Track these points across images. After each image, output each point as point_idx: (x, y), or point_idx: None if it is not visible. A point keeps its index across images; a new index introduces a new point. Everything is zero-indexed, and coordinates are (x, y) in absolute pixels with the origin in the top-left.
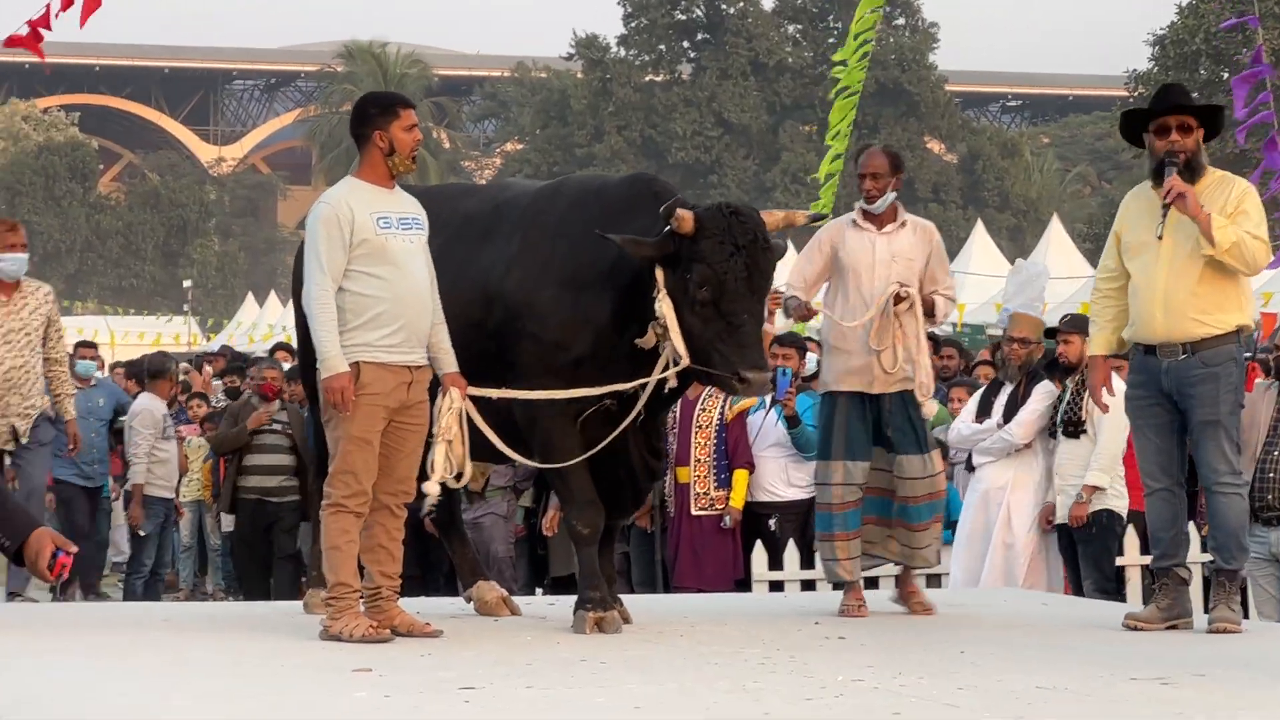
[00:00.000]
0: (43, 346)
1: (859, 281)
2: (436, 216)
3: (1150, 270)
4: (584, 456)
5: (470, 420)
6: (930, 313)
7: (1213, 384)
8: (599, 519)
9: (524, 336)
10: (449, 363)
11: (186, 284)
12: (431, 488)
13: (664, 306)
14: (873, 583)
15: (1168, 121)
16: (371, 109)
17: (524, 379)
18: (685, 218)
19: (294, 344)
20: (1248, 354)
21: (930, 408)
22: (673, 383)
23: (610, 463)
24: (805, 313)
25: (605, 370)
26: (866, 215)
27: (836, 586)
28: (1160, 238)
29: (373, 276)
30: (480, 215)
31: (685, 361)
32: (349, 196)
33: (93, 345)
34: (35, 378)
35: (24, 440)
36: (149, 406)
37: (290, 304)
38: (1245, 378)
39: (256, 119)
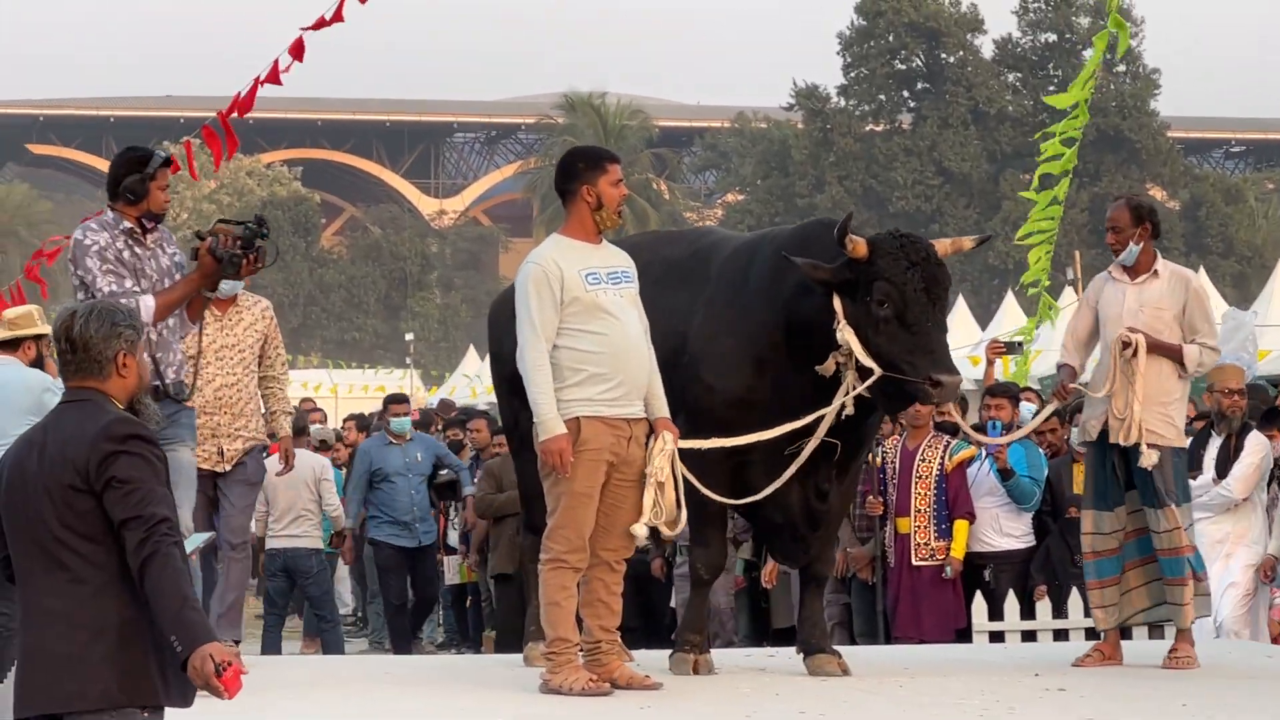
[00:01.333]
0: (259, 365)
1: (1106, 332)
2: (641, 263)
3: None
4: (745, 499)
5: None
6: (1180, 361)
7: None
8: (720, 562)
9: (698, 383)
10: (661, 408)
11: (409, 337)
12: (639, 529)
13: (846, 334)
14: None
15: None
16: (579, 163)
17: (695, 425)
18: (859, 243)
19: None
20: None
21: (1149, 457)
22: (850, 410)
23: (768, 508)
24: (1064, 392)
25: (782, 418)
26: (1124, 267)
27: (1092, 636)
28: None
29: (587, 333)
30: (681, 261)
31: (878, 371)
32: (556, 254)
33: (405, 400)
34: (249, 397)
35: (228, 466)
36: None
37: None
38: None
39: (477, 171)
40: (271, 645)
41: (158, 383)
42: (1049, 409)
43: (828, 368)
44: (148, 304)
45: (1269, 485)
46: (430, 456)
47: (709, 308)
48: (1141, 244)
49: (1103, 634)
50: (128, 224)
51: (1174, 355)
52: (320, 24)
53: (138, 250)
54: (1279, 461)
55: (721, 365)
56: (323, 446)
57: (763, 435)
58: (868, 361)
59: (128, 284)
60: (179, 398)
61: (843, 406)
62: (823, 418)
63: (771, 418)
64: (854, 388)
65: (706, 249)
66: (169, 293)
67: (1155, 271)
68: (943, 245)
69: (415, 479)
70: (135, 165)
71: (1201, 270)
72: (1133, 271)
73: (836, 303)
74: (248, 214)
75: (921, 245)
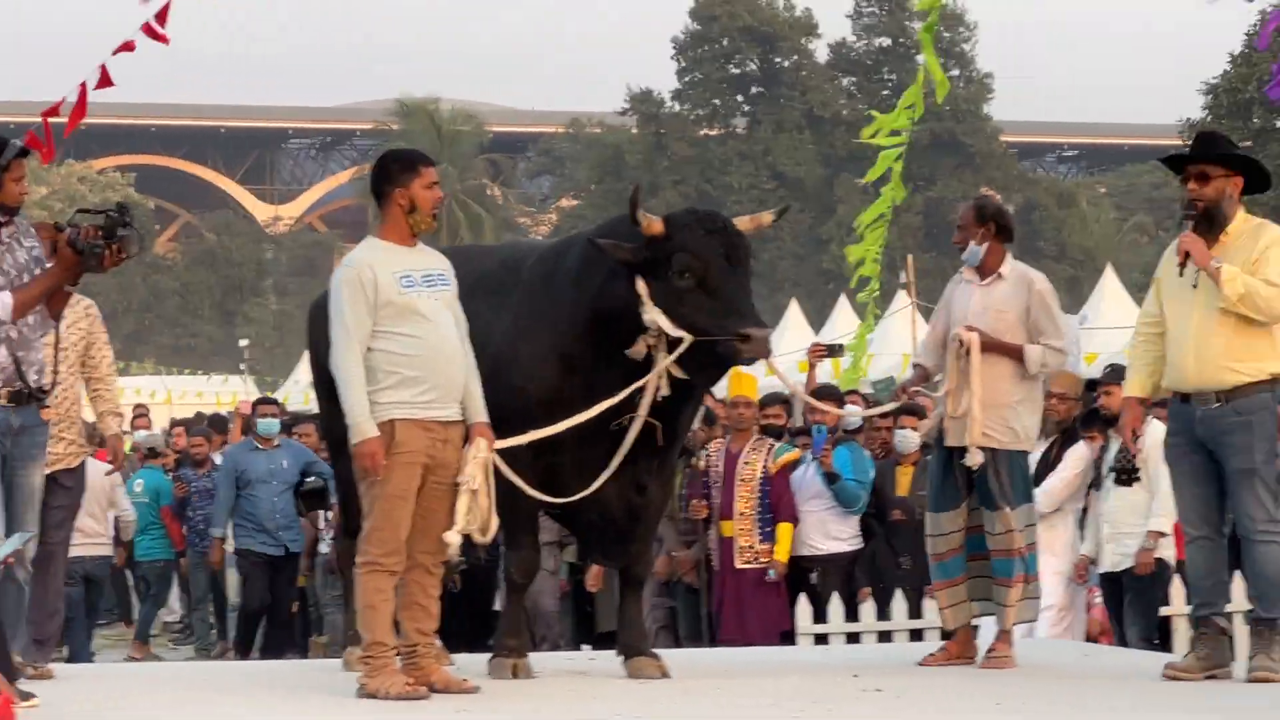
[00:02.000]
0: (83, 367)
1: (950, 333)
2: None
3: (1183, 317)
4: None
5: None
6: (1022, 362)
7: (1246, 432)
8: (534, 566)
9: (506, 387)
10: (477, 412)
11: (243, 343)
12: (452, 537)
13: (652, 313)
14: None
15: (1189, 170)
16: (392, 167)
17: (507, 430)
18: (653, 220)
19: None
20: None
21: (973, 457)
22: (665, 390)
23: (586, 508)
24: (904, 392)
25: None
26: (976, 268)
27: (945, 636)
28: (1195, 286)
29: (402, 335)
30: (492, 272)
31: (687, 339)
32: (370, 257)
33: (275, 402)
34: (73, 399)
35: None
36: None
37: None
38: None
39: (313, 177)
40: (82, 653)
41: (20, 385)
42: (889, 405)
43: (637, 350)
44: (5, 301)
45: (1087, 493)
46: (298, 463)
47: (517, 311)
48: (985, 244)
49: (954, 633)
50: None
51: (1014, 355)
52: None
53: None
54: (1098, 463)
55: (530, 366)
56: (151, 454)
57: (580, 417)
58: (676, 332)
59: None
60: (43, 403)
61: (659, 386)
62: (639, 398)
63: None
64: (664, 366)
65: (516, 259)
66: (28, 289)
67: (1000, 274)
68: (743, 221)
69: (279, 485)
70: None
71: None
72: (981, 273)
73: (640, 285)
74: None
75: (718, 216)
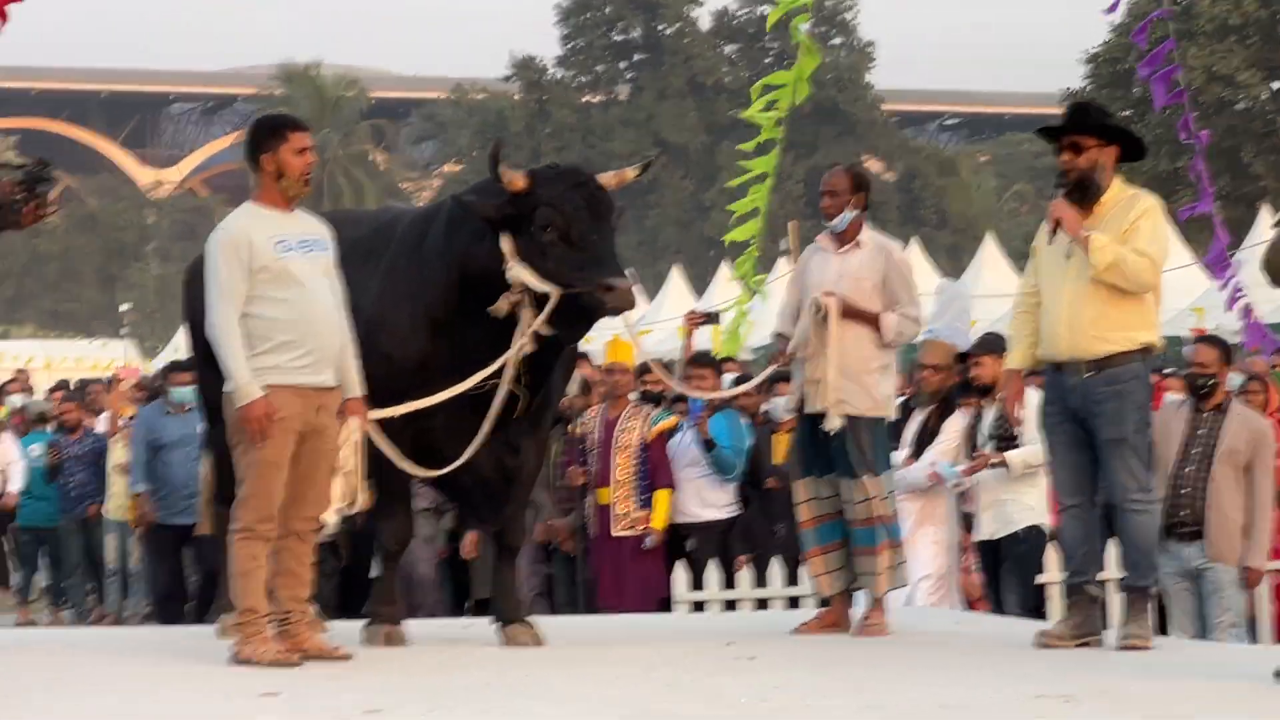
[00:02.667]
0: None
1: (806, 300)
2: None
3: (1056, 288)
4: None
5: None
6: (879, 330)
7: (1118, 401)
8: (406, 534)
9: (375, 353)
10: (352, 387)
11: (124, 308)
12: (328, 518)
13: (517, 270)
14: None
15: (1063, 140)
16: (261, 132)
17: (377, 398)
18: (515, 176)
19: None
20: (1165, 371)
21: (831, 422)
22: (530, 347)
23: (458, 473)
24: (783, 356)
25: (461, 376)
26: (833, 236)
27: (823, 604)
28: (1069, 256)
29: (276, 300)
30: (363, 239)
31: (554, 293)
32: (246, 222)
33: (188, 368)
34: None
35: None
36: None
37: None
38: (1152, 396)
39: (195, 142)
40: None
41: None
42: (768, 370)
43: (499, 308)
44: None
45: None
46: None
47: (385, 277)
48: (855, 211)
49: (830, 601)
50: None
51: (872, 322)
52: None
53: None
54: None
55: (398, 332)
56: (40, 419)
57: (456, 389)
58: (543, 287)
59: None
60: None
61: (521, 347)
62: (505, 364)
63: (453, 381)
64: (530, 323)
65: (388, 224)
66: None
67: (859, 242)
68: (606, 177)
69: (194, 450)
70: None
71: (915, 242)
72: (839, 241)
73: (505, 243)
74: None
75: (580, 171)
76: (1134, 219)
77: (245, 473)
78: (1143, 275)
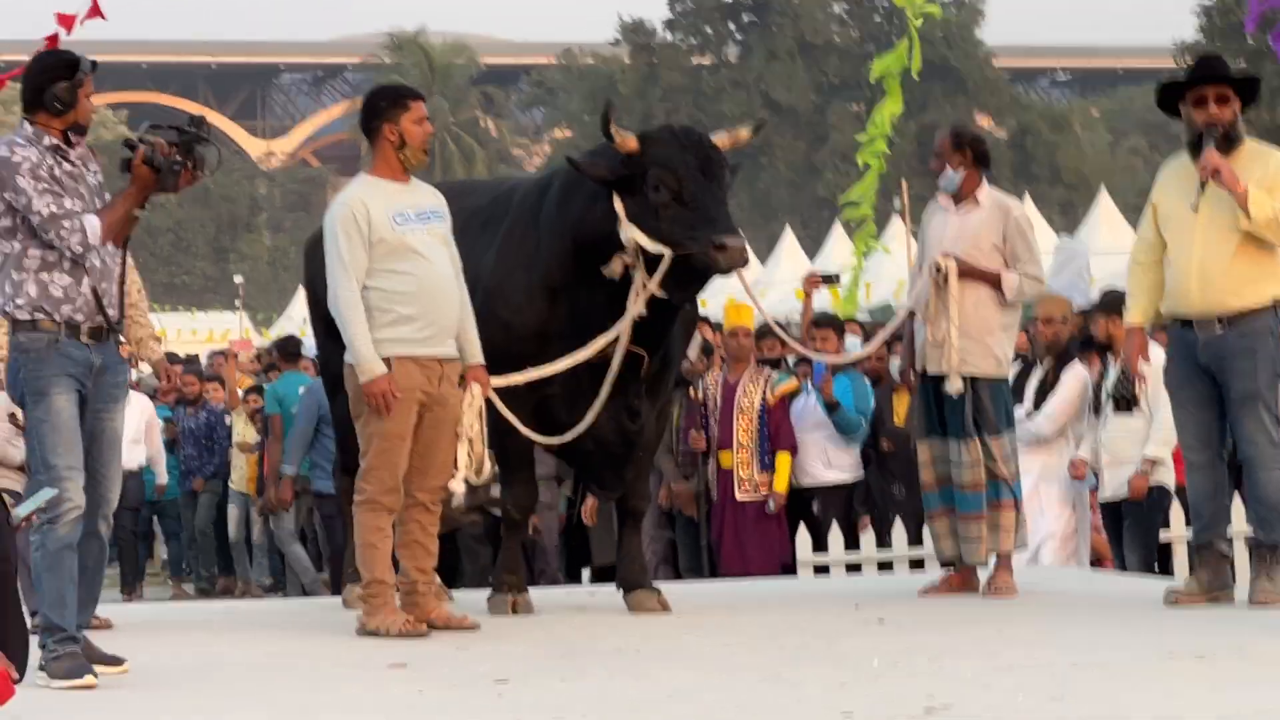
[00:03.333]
0: None
1: (926, 260)
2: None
3: (1185, 243)
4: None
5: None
6: (1000, 289)
7: (1250, 358)
8: (530, 502)
9: (494, 320)
10: (473, 354)
11: (238, 279)
12: (456, 485)
13: (630, 231)
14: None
15: (1205, 93)
16: (381, 102)
17: (495, 366)
18: (627, 136)
19: None
20: None
21: (954, 383)
22: (643, 310)
23: (580, 438)
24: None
25: (579, 341)
26: (953, 195)
27: (946, 565)
28: (1196, 210)
29: (396, 273)
30: (482, 208)
31: (666, 254)
32: (364, 194)
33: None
34: None
35: None
36: None
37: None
38: None
39: (305, 112)
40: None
41: (101, 320)
42: (887, 330)
43: (613, 270)
44: (93, 224)
45: (1090, 413)
46: None
47: (502, 246)
48: (962, 171)
49: (956, 564)
50: (52, 139)
51: (992, 282)
52: None
53: (66, 167)
54: (1100, 388)
55: (515, 300)
56: (152, 395)
57: (577, 355)
58: (655, 248)
59: (67, 203)
60: (120, 339)
61: (638, 307)
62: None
63: (571, 347)
64: (644, 285)
65: (506, 193)
66: (112, 210)
67: (977, 200)
68: (720, 137)
69: None
70: (63, 70)
71: (1028, 198)
72: (956, 200)
73: (618, 204)
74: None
75: (693, 131)
76: (1272, 172)
77: (368, 444)
78: None
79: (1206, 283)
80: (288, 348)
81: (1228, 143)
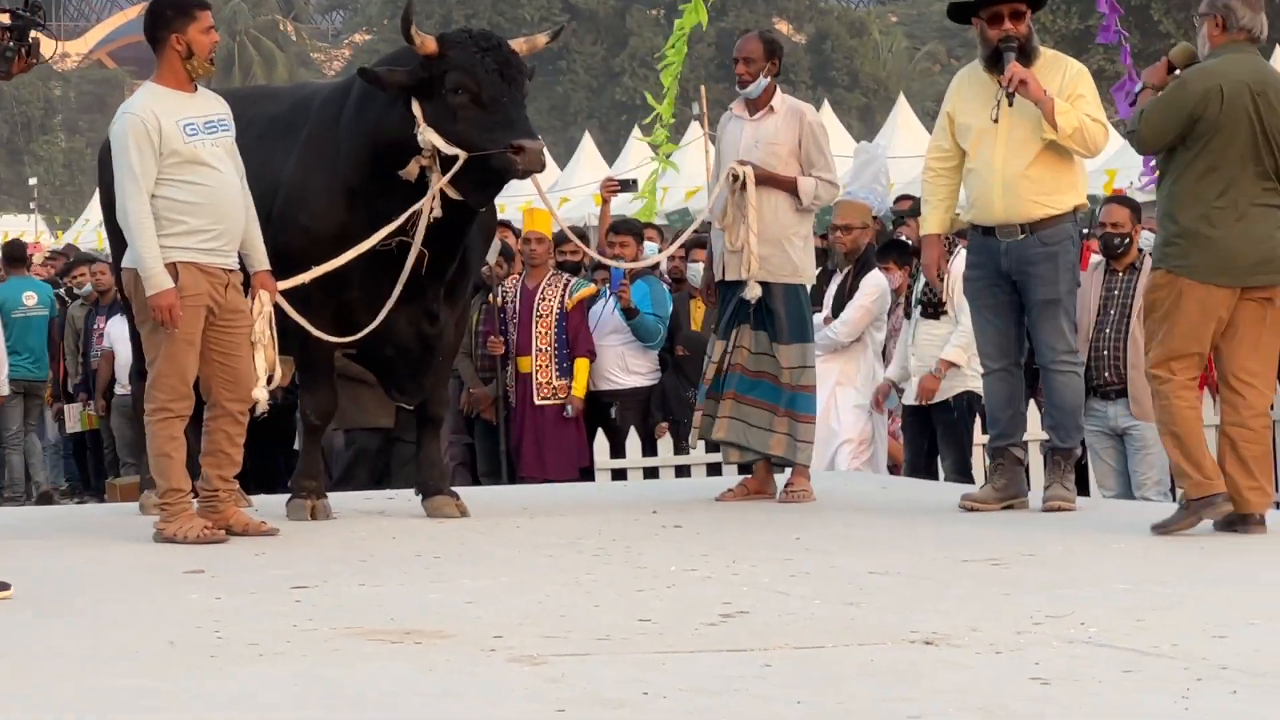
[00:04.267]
0: None
1: (722, 168)
2: (245, 119)
3: (987, 153)
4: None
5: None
6: (796, 194)
7: (1051, 263)
8: (330, 407)
9: (293, 226)
10: (259, 261)
11: (32, 182)
12: (259, 393)
13: (428, 134)
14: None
15: (999, 10)
16: (167, 11)
17: (294, 271)
18: (427, 39)
19: None
20: (1084, 232)
21: (752, 290)
22: (438, 212)
23: (379, 343)
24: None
25: (380, 252)
26: (746, 103)
27: (714, 471)
28: (996, 121)
29: (186, 184)
30: (282, 115)
31: (462, 155)
32: (153, 104)
33: None
34: None
35: None
36: None
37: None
38: (1081, 257)
39: (100, 13)
40: None
41: None
42: (684, 235)
43: (409, 171)
44: None
45: (889, 317)
46: None
47: (303, 151)
48: (769, 78)
49: (753, 469)
50: None
51: (789, 188)
52: None
53: None
54: (900, 292)
55: (315, 205)
56: None
57: (361, 247)
58: (450, 150)
59: None
60: None
61: (433, 208)
62: (415, 225)
63: (373, 252)
64: (439, 186)
65: (306, 99)
66: None
67: (772, 107)
68: (518, 42)
69: None
70: None
71: (827, 104)
72: (752, 107)
73: (415, 107)
74: None
75: (492, 35)
76: (1071, 83)
77: (155, 352)
78: (1099, 140)
79: (1010, 192)
80: (11, 252)
81: (1024, 55)
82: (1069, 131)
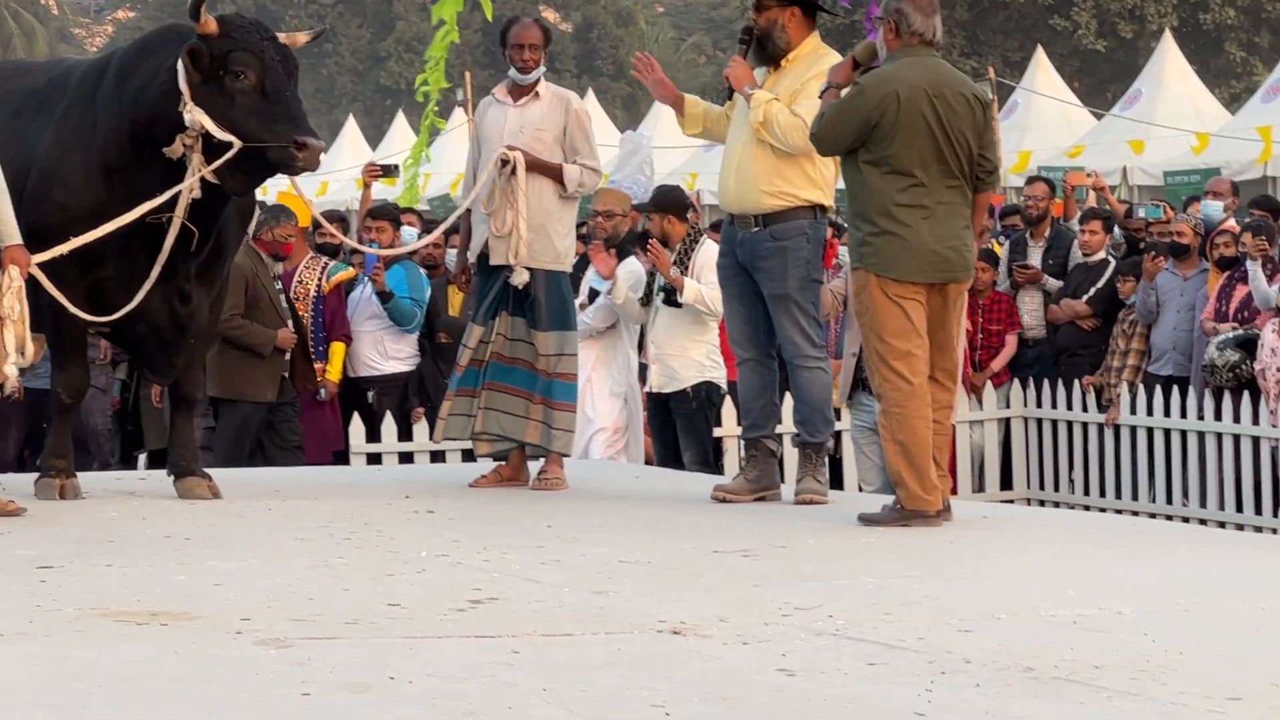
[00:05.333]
0: None
1: (488, 155)
2: None
3: (730, 142)
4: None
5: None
6: (561, 181)
7: (780, 258)
8: (82, 386)
9: (49, 203)
10: (10, 236)
11: None
12: (9, 370)
13: (195, 114)
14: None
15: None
16: None
17: (49, 248)
18: (209, 19)
19: None
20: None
21: (519, 276)
22: (197, 193)
23: (132, 321)
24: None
25: (140, 229)
26: (510, 89)
27: (469, 457)
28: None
29: None
30: (38, 90)
31: (237, 144)
32: None
33: None
34: None
35: None
36: None
37: None
38: (823, 254)
39: None
40: None
41: None
42: (448, 222)
43: (174, 150)
44: None
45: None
46: None
47: (59, 126)
48: (543, 66)
49: (508, 455)
50: None
51: (554, 175)
52: None
53: None
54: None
55: (71, 180)
56: None
57: (115, 223)
58: (224, 136)
59: None
60: None
61: (190, 190)
62: (175, 205)
63: (129, 229)
64: (201, 167)
65: (63, 74)
66: None
67: (537, 94)
68: (280, 38)
69: None
70: None
71: (592, 92)
72: (516, 93)
73: (183, 83)
74: None
75: (265, 25)
76: (807, 80)
77: None
78: (791, 136)
79: (743, 181)
80: None
81: (761, 48)
82: (755, 124)
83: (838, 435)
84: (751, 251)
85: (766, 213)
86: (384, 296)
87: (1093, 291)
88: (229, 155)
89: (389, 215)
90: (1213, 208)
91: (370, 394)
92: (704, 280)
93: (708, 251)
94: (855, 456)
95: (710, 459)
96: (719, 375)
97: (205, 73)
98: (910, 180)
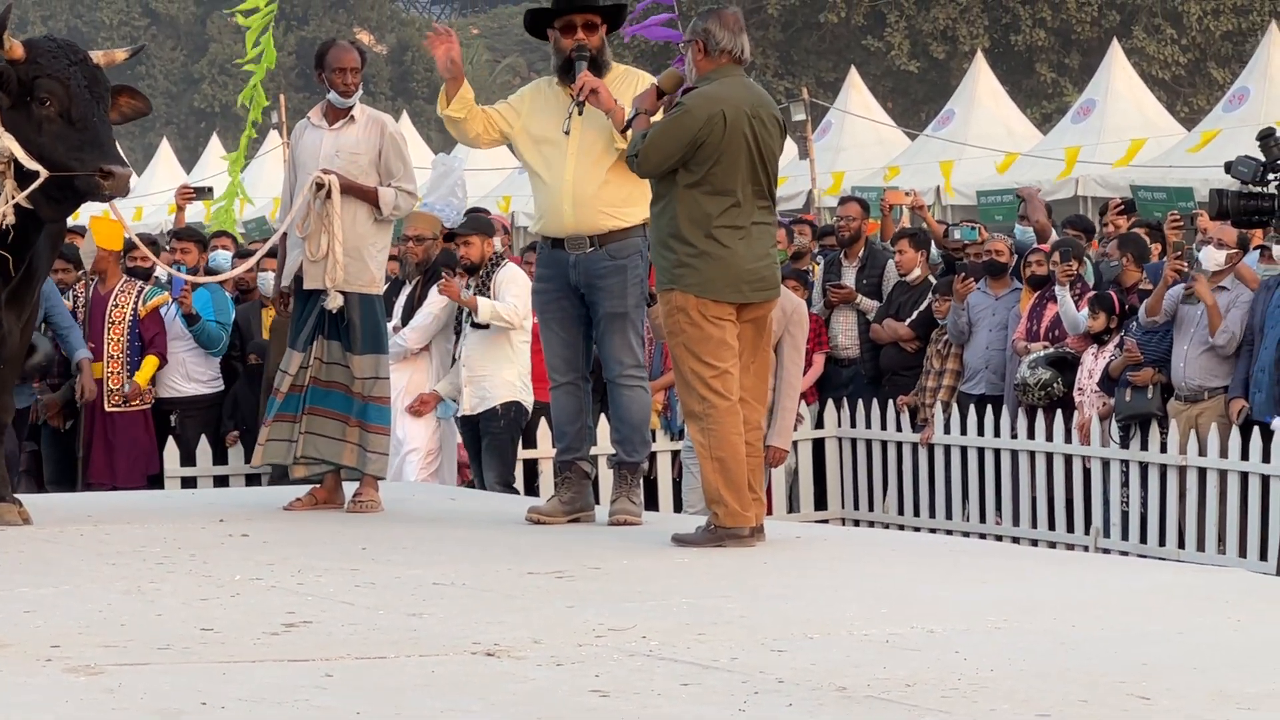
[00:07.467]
0: None
1: (301, 178)
2: None
3: (558, 166)
4: None
5: None
6: (376, 205)
7: (620, 277)
8: None
9: None
10: None
11: None
12: None
13: (4, 140)
14: None
15: (574, 20)
16: None
17: None
18: (14, 44)
19: None
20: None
21: (334, 300)
22: (11, 219)
23: None
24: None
25: None
26: (326, 112)
27: (316, 481)
28: (567, 133)
29: None
30: None
31: (44, 173)
32: None
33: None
34: None
35: None
36: None
37: None
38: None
39: None
40: None
41: None
42: (266, 246)
43: None
44: None
45: (457, 332)
46: None
47: None
48: (360, 89)
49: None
50: None
51: (370, 199)
52: None
53: None
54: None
55: None
56: None
57: None
58: (32, 164)
59: None
60: None
61: (3, 216)
62: None
63: None
64: (13, 196)
65: None
66: None
67: (352, 117)
68: (96, 55)
69: None
70: None
71: (406, 115)
72: (332, 116)
73: None
74: None
75: (78, 47)
76: (642, 93)
77: None
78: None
79: (580, 204)
80: None
81: (597, 67)
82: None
83: (653, 456)
84: (588, 272)
85: (603, 233)
86: (190, 319)
87: (915, 315)
88: (36, 184)
89: (194, 236)
90: (1025, 233)
91: (173, 417)
92: (505, 298)
93: (507, 271)
94: (685, 478)
95: (512, 480)
96: (528, 398)
97: (14, 98)
98: (730, 201)
